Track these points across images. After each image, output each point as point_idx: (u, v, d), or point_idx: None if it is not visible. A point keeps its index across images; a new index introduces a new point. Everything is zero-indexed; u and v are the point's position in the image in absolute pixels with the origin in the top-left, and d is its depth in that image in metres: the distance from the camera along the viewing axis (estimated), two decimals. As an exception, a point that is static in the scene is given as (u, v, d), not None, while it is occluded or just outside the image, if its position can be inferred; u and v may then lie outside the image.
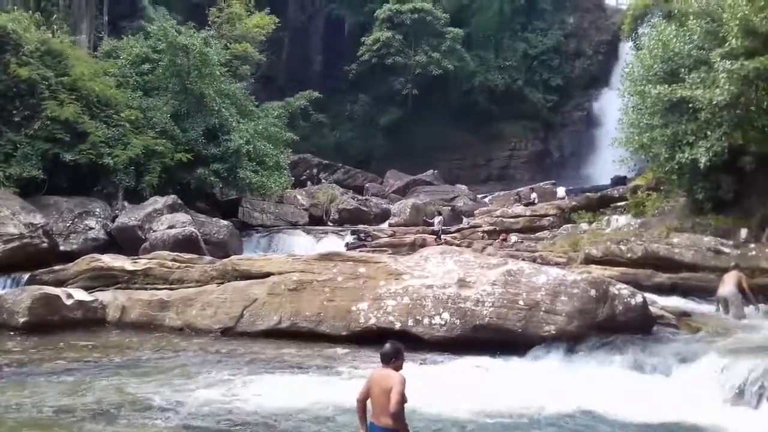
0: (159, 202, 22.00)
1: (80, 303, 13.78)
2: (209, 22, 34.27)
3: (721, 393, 9.00)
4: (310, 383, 9.88)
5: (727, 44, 15.08)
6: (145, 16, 33.90)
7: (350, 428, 7.83)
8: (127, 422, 8.04)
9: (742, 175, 16.49)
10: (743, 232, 16.38)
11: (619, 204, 23.74)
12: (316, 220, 32.05)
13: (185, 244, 19.17)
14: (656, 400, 8.94)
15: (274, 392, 9.31)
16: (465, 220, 30.58)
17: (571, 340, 11.09)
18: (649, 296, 12.91)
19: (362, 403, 5.91)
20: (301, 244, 25.70)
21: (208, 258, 16.16)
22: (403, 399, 5.65)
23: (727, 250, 15.64)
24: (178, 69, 25.74)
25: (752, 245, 15.57)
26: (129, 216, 21.28)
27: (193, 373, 10.32)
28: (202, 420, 8.21)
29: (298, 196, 33.58)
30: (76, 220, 20.56)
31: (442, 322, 11.66)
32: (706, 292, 15.33)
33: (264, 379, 10.08)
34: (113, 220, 21.36)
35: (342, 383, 9.71)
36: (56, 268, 15.83)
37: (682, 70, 16.53)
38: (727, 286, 13.23)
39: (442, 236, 25.24)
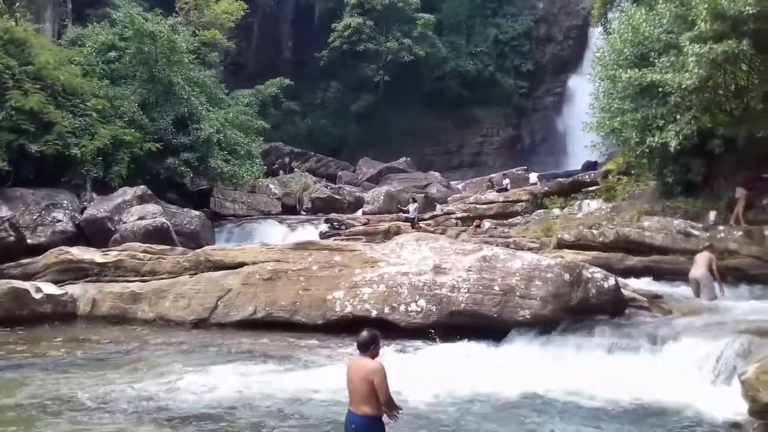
0: (128, 192, 21.65)
1: (49, 297, 13.49)
2: (176, 9, 33.63)
3: (693, 372, 9.14)
4: (272, 373, 9.79)
5: (696, 28, 15.22)
6: (110, 3, 33.05)
7: (311, 421, 7.81)
8: (45, 422, 7.81)
9: (711, 158, 16.74)
10: (712, 215, 16.66)
11: (590, 189, 24.01)
12: (289, 210, 31.87)
13: (156, 235, 18.93)
14: (629, 381, 9.06)
15: (226, 383, 9.21)
16: (438, 207, 30.66)
17: (546, 324, 11.16)
18: (621, 279, 13.05)
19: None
20: (275, 233, 25.52)
21: (180, 249, 15.96)
22: (388, 390, 5.65)
23: (696, 232, 15.89)
24: (145, 57, 25.26)
25: (721, 227, 15.84)
26: (98, 207, 20.90)
27: (147, 367, 10.15)
28: (126, 416, 8.03)
29: (271, 186, 33.33)
30: (43, 212, 20.14)
31: (419, 309, 11.65)
32: (676, 275, 15.56)
33: (222, 369, 9.96)
34: (82, 212, 20.96)
35: (308, 373, 9.68)
36: (24, 261, 15.50)
37: (652, 54, 16.67)
38: (699, 268, 13.41)
39: (419, 224, 25.20)
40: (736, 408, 7.53)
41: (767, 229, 15.28)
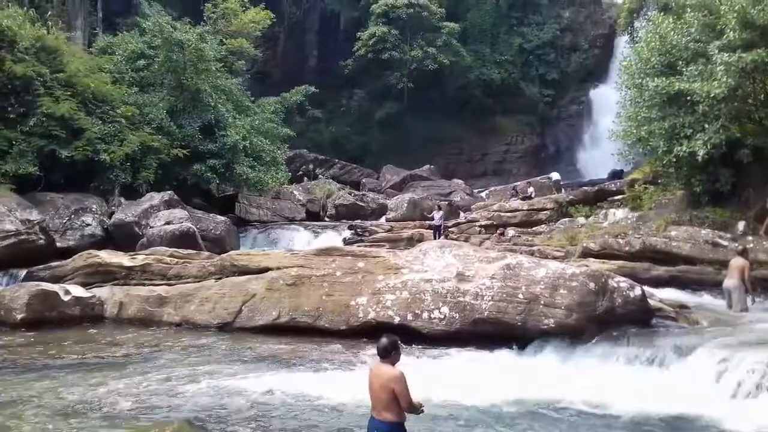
0: (155, 198, 21.95)
1: (78, 299, 13.73)
2: (204, 18, 34.20)
3: (719, 386, 9.00)
4: (296, 377, 9.85)
5: (724, 36, 15.06)
6: (139, 12, 33.78)
7: (333, 426, 7.84)
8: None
9: (739, 167, 16.49)
10: (741, 225, 16.38)
11: (616, 197, 23.75)
12: (313, 216, 32.05)
13: (182, 239, 19.16)
14: (655, 393, 8.93)
15: (250, 387, 9.27)
16: (462, 214, 30.57)
17: (570, 333, 11.07)
18: (648, 289, 12.90)
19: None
20: (299, 239, 25.70)
21: (205, 254, 16.13)
22: (409, 396, 5.64)
23: (724, 242, 15.64)
24: (173, 65, 25.68)
25: (750, 237, 15.57)
26: (126, 212, 21.21)
27: (172, 369, 10.25)
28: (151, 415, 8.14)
29: (295, 192, 33.56)
30: (72, 216, 20.49)
31: (442, 316, 11.64)
32: (704, 285, 15.36)
33: (246, 372, 10.04)
34: (110, 217, 21.30)
35: (332, 377, 9.74)
36: (53, 264, 15.78)
37: (680, 62, 16.51)
38: (733, 276, 13.18)
39: (444, 231, 25.11)
40: (763, 422, 7.41)
41: (797, 240, 15.00)
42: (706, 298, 14.79)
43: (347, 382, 9.21)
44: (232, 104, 28.17)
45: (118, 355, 11.34)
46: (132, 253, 16.08)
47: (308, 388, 9.20)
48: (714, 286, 14.80)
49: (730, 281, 13.20)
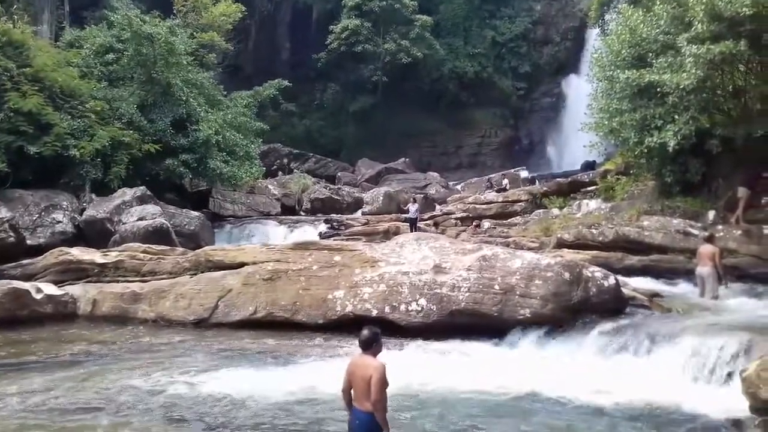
0: (127, 194, 21.66)
1: (50, 297, 13.50)
2: (174, 11, 33.72)
3: (692, 372, 9.17)
4: (272, 371, 9.84)
5: (693, 29, 15.24)
6: (107, 5, 33.16)
7: (311, 418, 7.82)
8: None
9: (709, 157, 16.76)
10: (711, 214, 16.67)
11: (589, 189, 24.01)
12: (288, 210, 31.90)
13: (156, 235, 18.95)
14: (629, 381, 9.07)
15: (224, 382, 9.20)
16: (437, 207, 30.68)
17: (546, 323, 11.21)
18: (622, 278, 13.10)
19: (347, 393, 5.87)
20: (275, 233, 25.55)
21: (180, 249, 15.99)
22: (383, 389, 5.62)
23: (695, 231, 15.89)
24: (143, 59, 25.30)
25: (720, 227, 15.85)
26: (97, 208, 20.90)
27: (147, 366, 10.16)
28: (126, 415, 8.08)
29: (270, 186, 33.36)
30: (42, 213, 20.13)
31: (419, 308, 11.69)
32: (676, 273, 15.61)
33: (221, 368, 10.00)
34: (81, 213, 20.96)
35: (309, 370, 9.74)
36: (24, 262, 15.50)
37: (650, 54, 16.70)
38: (705, 264, 13.41)
39: (419, 224, 25.19)
40: (737, 406, 7.56)
41: (766, 228, 15.30)
42: (678, 287, 15.03)
43: (324, 375, 9.19)
44: (204, 98, 27.84)
45: (88, 353, 11.17)
46: (104, 250, 15.86)
47: (284, 381, 9.18)
48: (686, 274, 15.05)
49: (704, 268, 13.43)
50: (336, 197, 33.07)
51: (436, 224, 25.51)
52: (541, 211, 24.03)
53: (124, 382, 9.32)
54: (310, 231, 26.15)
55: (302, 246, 14.00)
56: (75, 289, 14.15)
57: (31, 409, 8.24)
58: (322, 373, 9.38)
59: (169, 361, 10.51)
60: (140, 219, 20.02)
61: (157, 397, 8.71)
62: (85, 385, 9.24)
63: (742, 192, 15.83)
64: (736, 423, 7.53)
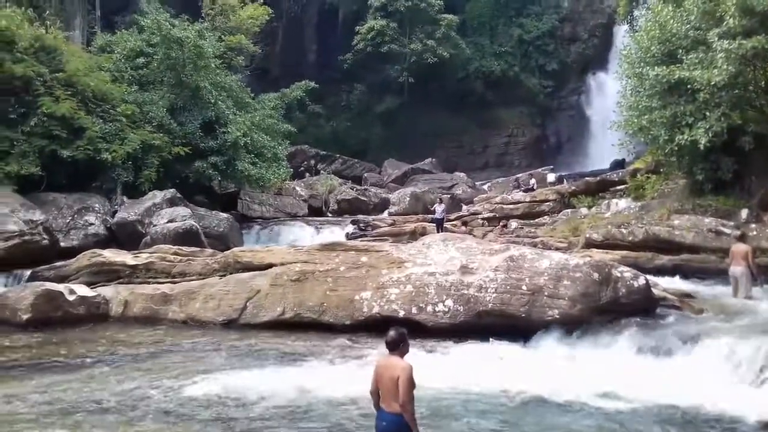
0: (158, 196, 21.96)
1: (83, 299, 13.75)
2: (203, 14, 34.14)
3: (725, 374, 9.02)
4: (301, 371, 9.87)
5: (724, 24, 15.02)
6: (137, 9, 33.70)
7: (339, 419, 7.85)
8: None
9: (741, 155, 16.48)
10: (744, 213, 16.38)
11: (618, 188, 23.75)
12: (315, 211, 32.05)
13: (186, 237, 19.18)
14: (661, 383, 8.96)
15: (256, 381, 9.25)
16: (464, 207, 30.57)
17: (575, 324, 11.10)
18: (652, 278, 12.91)
19: (375, 394, 5.88)
20: (302, 235, 25.69)
21: (209, 251, 16.15)
22: (411, 389, 5.63)
23: (727, 230, 15.64)
24: (173, 62, 25.63)
25: (753, 225, 15.58)
26: (128, 211, 21.23)
27: (176, 366, 10.27)
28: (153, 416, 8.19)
29: (297, 188, 33.56)
30: (75, 216, 20.51)
31: (446, 309, 11.67)
32: (707, 273, 15.36)
33: (252, 368, 10.07)
34: (113, 216, 21.31)
35: (337, 370, 9.79)
36: (57, 264, 15.80)
37: (680, 51, 16.49)
38: (738, 264, 13.17)
39: (446, 224, 25.11)
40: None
41: (801, 226, 14.99)
42: (710, 287, 14.78)
43: (350, 375, 9.24)
44: (232, 101, 28.12)
45: (123, 354, 11.36)
46: (135, 252, 16.10)
47: (310, 382, 9.22)
48: (717, 274, 14.82)
49: (737, 268, 13.20)
50: (362, 198, 33.14)
51: (464, 223, 25.36)
52: (569, 210, 23.82)
53: (144, 382, 9.44)
54: (337, 232, 26.24)
55: (329, 247, 14.06)
56: (107, 291, 14.40)
57: (42, 408, 8.37)
58: (347, 374, 9.43)
59: (193, 361, 10.63)
60: (170, 221, 20.28)
61: (175, 396, 8.81)
62: (103, 384, 9.37)
63: (776, 190, 15.52)
64: (769, 426, 7.40)
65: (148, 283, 14.55)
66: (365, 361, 9.92)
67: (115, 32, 29.59)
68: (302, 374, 9.73)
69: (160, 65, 26.16)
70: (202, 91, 25.63)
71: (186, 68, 25.54)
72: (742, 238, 13.74)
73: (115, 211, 21.53)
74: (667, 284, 14.07)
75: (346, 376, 9.40)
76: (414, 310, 11.83)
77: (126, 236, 20.40)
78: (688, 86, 15.74)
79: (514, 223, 24.40)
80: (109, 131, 22.49)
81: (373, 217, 29.61)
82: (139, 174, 22.90)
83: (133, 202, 21.85)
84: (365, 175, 42.80)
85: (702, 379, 8.92)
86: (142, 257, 15.24)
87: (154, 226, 20.30)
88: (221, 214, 24.03)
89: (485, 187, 39.95)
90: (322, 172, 39.59)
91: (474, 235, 19.87)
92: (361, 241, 20.56)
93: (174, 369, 10.16)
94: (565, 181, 32.60)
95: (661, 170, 20.74)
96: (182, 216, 20.62)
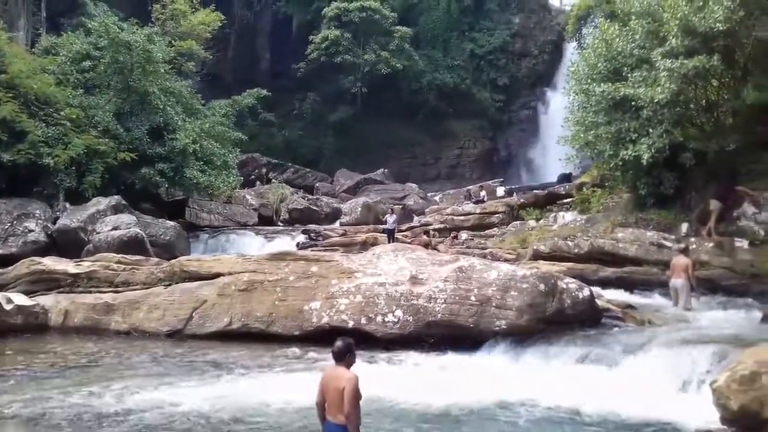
0: (102, 203, 21.39)
1: (20, 308, 13.26)
2: (152, 19, 33.51)
3: (664, 382, 9.23)
4: (245, 383, 9.72)
5: (667, 43, 15.49)
6: (85, 12, 32.92)
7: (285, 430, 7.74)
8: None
9: (682, 171, 16.99)
10: (684, 227, 16.86)
11: (565, 201, 24.19)
12: (265, 221, 31.70)
13: (130, 245, 18.71)
14: (604, 392, 9.11)
15: (195, 394, 9.06)
16: (416, 218, 30.70)
17: (521, 334, 11.24)
18: (596, 290, 13.21)
19: (321, 406, 5.82)
20: (251, 244, 25.36)
21: (154, 260, 15.80)
22: (356, 400, 5.59)
23: (669, 243, 16.08)
24: (120, 66, 25.05)
25: (692, 239, 16.05)
26: (71, 218, 20.60)
27: (115, 379, 9.99)
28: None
29: (247, 196, 33.15)
30: (14, 222, 19.79)
31: (395, 320, 11.67)
32: (650, 285, 15.76)
33: (194, 380, 9.85)
34: (54, 222, 20.63)
35: (283, 382, 9.66)
36: (-6, 272, 15.20)
37: (625, 68, 16.92)
38: (679, 276, 13.57)
39: (396, 234, 25.17)
40: (707, 417, 7.62)
41: (738, 241, 15.53)
42: (652, 298, 15.18)
43: (297, 386, 9.12)
44: (181, 107, 27.62)
45: (53, 364, 10.95)
46: (77, 260, 15.63)
47: (256, 393, 9.08)
48: (659, 285, 15.22)
49: (678, 280, 13.59)
50: (314, 208, 32.96)
51: (426, 233, 25.31)
52: (518, 222, 24.14)
53: (83, 394, 9.12)
54: (287, 241, 26.01)
55: (279, 256, 13.91)
56: (46, 300, 13.93)
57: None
58: (294, 384, 9.31)
59: (134, 372, 10.35)
60: (114, 228, 19.77)
61: (114, 409, 8.55)
62: (42, 396, 9.04)
63: (714, 205, 16.03)
64: (707, 434, 7.59)
65: (90, 292, 14.14)
66: (312, 372, 9.81)
67: (61, 34, 28.77)
68: (244, 385, 9.57)
69: (107, 69, 25.54)
70: (151, 96, 25.11)
71: (134, 72, 24.99)
72: (684, 252, 14.16)
73: (57, 218, 20.87)
74: (612, 296, 14.39)
75: (291, 386, 9.28)
76: (363, 321, 11.80)
77: (68, 244, 19.78)
78: (633, 103, 16.16)
79: (464, 235, 24.61)
80: (52, 135, 21.82)
81: (325, 227, 29.45)
82: (83, 180, 22.26)
83: (75, 209, 21.22)
84: (317, 184, 42.61)
85: (644, 388, 9.11)
86: (85, 265, 14.80)
87: (98, 233, 19.75)
88: (168, 222, 23.53)
89: (437, 198, 40.23)
90: (273, 180, 39.22)
91: (437, 250, 19.86)
92: (311, 251, 20.41)
93: (109, 381, 9.83)
94: (514, 193, 33.09)
95: (606, 184, 21.23)
96: (127, 224, 20.12)
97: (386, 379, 9.57)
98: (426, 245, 19.69)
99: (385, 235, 24.99)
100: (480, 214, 26.46)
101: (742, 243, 15.44)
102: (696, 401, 8.48)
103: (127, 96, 25.24)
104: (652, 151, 15.91)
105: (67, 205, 21.63)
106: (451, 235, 24.64)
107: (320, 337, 11.61)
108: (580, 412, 8.53)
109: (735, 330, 11.12)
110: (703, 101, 17.22)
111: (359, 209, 30.77)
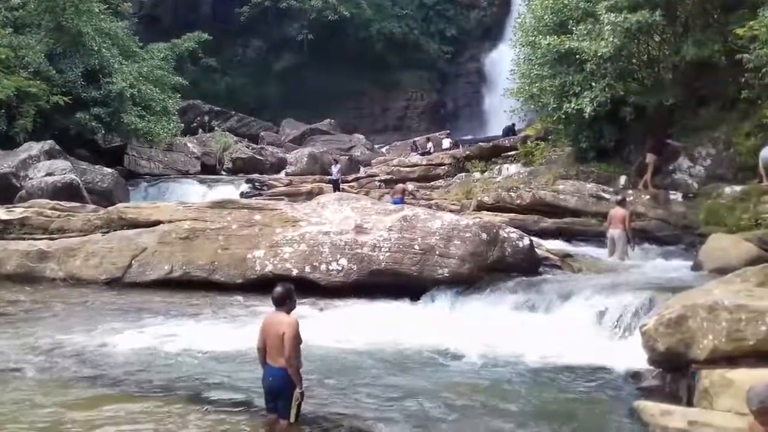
0: (34, 148, 20.55)
1: (-52, 256, 12.70)
2: (87, -46, 31.66)
3: (597, 327, 9.60)
4: (186, 330, 9.66)
5: (612, -3, 15.62)
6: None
7: (227, 377, 7.77)
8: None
9: (622, 125, 17.38)
10: (622, 179, 17.37)
11: (510, 153, 24.49)
12: (208, 170, 31.10)
13: (65, 192, 18.14)
14: (537, 337, 9.38)
15: (132, 341, 8.99)
16: (362, 169, 30.61)
17: (463, 282, 11.45)
18: (536, 239, 13.52)
19: (262, 350, 5.84)
20: (193, 193, 24.88)
21: (91, 206, 15.30)
22: (296, 345, 5.63)
23: (607, 196, 16.56)
24: (51, 4, 23.69)
25: (630, 191, 16.55)
26: (1, 163, 19.74)
27: (50, 326, 9.82)
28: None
29: (189, 144, 32.35)
30: (-61, 167, 18.83)
31: (339, 268, 11.70)
32: (588, 235, 16.26)
33: (131, 327, 9.77)
34: (-17, 168, 19.72)
35: (226, 329, 9.64)
36: None
37: (571, 21, 17.03)
38: (616, 227, 14.00)
39: (342, 185, 25.06)
40: (637, 359, 7.96)
41: (672, 193, 16.10)
42: (589, 248, 15.64)
43: (238, 333, 9.12)
44: (118, 49, 26.44)
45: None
46: (9, 206, 15.00)
47: (197, 340, 9.03)
48: (597, 236, 15.70)
49: (615, 231, 14.03)
50: (259, 157, 32.46)
51: (403, 181, 25.08)
52: (463, 174, 24.38)
53: (27, 341, 8.93)
54: (230, 191, 25.62)
55: (221, 204, 13.69)
56: (-24, 247, 13.35)
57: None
58: (237, 331, 9.28)
59: (75, 319, 10.15)
60: (48, 174, 19.08)
61: (61, 352, 8.43)
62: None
63: (650, 158, 16.52)
64: (636, 375, 7.93)
65: (24, 239, 13.62)
66: (254, 318, 9.78)
67: (-14, -32, 26.95)
68: (187, 331, 9.48)
69: (38, 7, 24.15)
70: (84, 36, 23.91)
71: (66, 11, 23.68)
72: (622, 203, 14.57)
73: (-14, 163, 19.94)
74: (551, 246, 14.75)
75: (232, 332, 9.26)
76: (308, 269, 11.79)
77: (-2, 190, 18.98)
78: (577, 56, 16.32)
79: (410, 186, 24.69)
80: (-21, 76, 20.66)
81: (270, 176, 29.09)
82: (13, 123, 21.27)
83: (6, 153, 20.34)
84: (262, 133, 41.87)
85: (579, 334, 9.44)
86: (17, 212, 14.20)
87: (30, 179, 19.04)
88: (105, 169, 22.78)
89: (384, 149, 40.13)
90: (216, 129, 38.30)
91: (413, 196, 20.16)
92: (255, 200, 20.17)
93: (51, 327, 9.64)
94: (460, 146, 33.26)
95: (550, 137, 21.58)
96: (62, 169, 19.43)
97: (329, 326, 9.63)
98: (402, 192, 20.49)
99: (331, 185, 24.87)
100: (426, 165, 26.59)
101: (677, 196, 16.03)
102: (624, 345, 8.84)
103: (60, 36, 23.98)
104: (595, 104, 16.19)
105: (-3, 149, 20.68)
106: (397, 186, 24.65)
107: (264, 285, 11.52)
108: (517, 357, 8.77)
109: (666, 278, 11.59)
110: (645, 56, 17.53)
111: (305, 159, 30.46)
